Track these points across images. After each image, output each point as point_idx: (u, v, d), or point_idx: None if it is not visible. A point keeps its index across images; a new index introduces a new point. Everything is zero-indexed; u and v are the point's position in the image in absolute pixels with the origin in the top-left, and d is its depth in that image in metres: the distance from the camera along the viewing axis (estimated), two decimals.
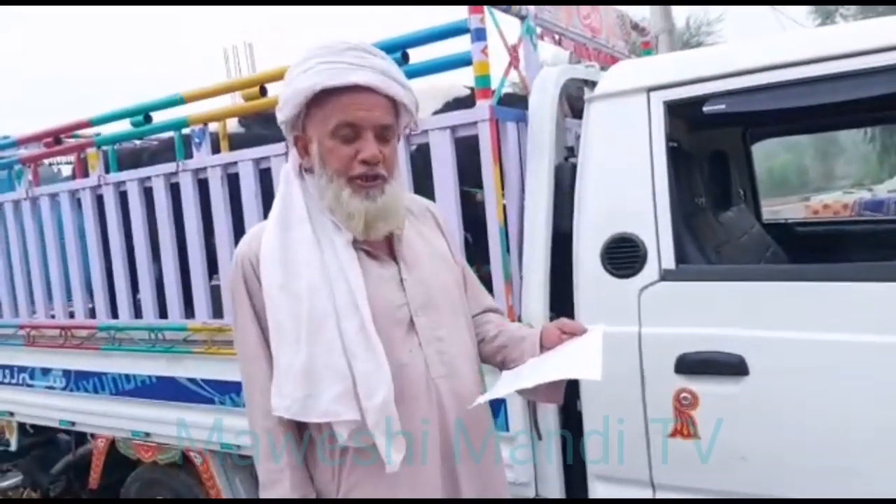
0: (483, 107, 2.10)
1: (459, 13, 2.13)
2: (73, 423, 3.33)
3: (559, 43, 2.57)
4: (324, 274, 1.34)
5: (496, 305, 1.71)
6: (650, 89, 2.01)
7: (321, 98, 1.33)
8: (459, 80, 2.56)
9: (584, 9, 2.71)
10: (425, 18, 2.28)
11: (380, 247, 1.43)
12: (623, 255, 1.99)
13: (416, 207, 1.55)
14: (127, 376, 3.03)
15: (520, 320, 2.11)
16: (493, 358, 1.58)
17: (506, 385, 1.40)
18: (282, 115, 1.38)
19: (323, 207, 1.39)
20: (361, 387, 1.31)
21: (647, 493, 1.99)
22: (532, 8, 2.34)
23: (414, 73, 2.30)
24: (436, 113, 2.54)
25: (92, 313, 3.23)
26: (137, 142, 3.77)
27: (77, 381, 3.23)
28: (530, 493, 2.15)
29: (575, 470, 2.13)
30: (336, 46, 1.34)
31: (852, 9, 15.36)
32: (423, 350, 1.41)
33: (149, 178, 2.89)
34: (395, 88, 1.36)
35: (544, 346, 1.45)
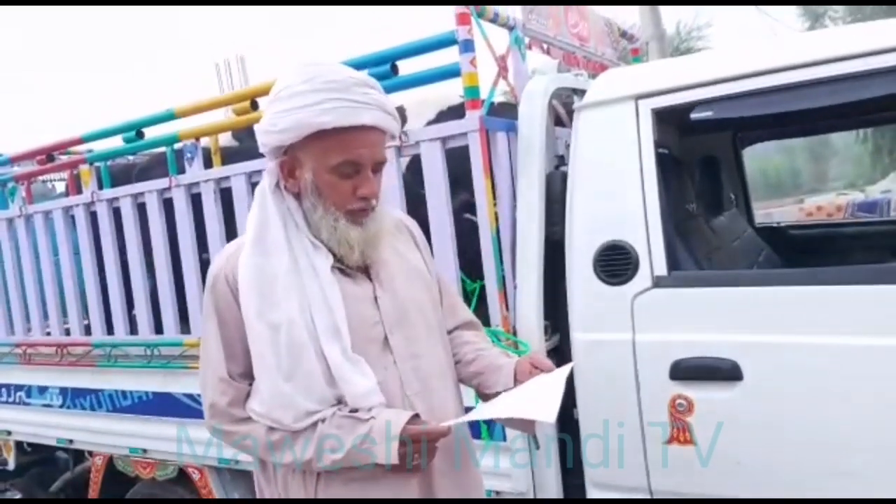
0: (473, 117, 2.11)
1: (447, 23, 2.14)
2: (70, 441, 3.31)
3: (548, 52, 2.58)
4: (303, 301, 1.35)
5: (473, 319, 1.72)
6: (638, 97, 2.02)
7: (324, 132, 1.31)
8: (452, 91, 2.57)
9: (572, 17, 2.72)
10: (414, 21, 2.28)
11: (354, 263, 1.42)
12: (615, 263, 1.99)
13: (391, 221, 1.52)
14: (124, 393, 3.02)
15: (514, 330, 2.12)
16: (469, 382, 1.59)
17: (476, 414, 1.45)
18: (274, 140, 1.35)
19: (302, 227, 1.39)
20: (354, 404, 1.34)
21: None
22: (519, 16, 2.35)
23: (403, 86, 2.31)
24: (430, 123, 2.55)
25: (87, 330, 3.22)
26: (131, 157, 3.78)
27: (74, 398, 3.22)
28: None
29: (573, 478, 2.13)
30: (343, 81, 1.32)
31: (840, 10, 15.44)
32: (397, 367, 1.42)
33: (142, 193, 2.89)
34: (392, 125, 1.38)
35: (517, 380, 1.47)
